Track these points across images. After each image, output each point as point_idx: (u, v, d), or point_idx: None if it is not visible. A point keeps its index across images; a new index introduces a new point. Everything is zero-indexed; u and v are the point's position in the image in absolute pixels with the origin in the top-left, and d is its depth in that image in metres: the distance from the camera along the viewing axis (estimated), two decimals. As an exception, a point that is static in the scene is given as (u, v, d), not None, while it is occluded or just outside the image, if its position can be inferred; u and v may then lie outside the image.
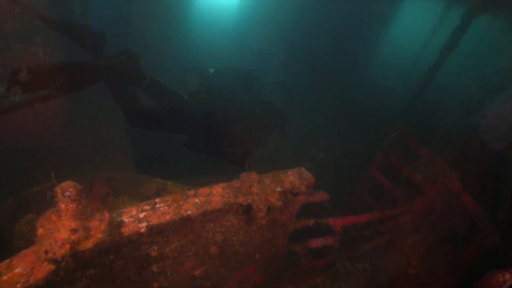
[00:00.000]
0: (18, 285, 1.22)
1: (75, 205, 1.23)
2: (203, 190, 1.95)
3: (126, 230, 1.58)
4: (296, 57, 9.80)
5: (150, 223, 1.65)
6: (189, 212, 1.79)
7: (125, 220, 1.62)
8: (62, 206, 1.22)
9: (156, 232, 1.74)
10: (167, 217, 1.72)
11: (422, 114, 9.12)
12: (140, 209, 1.71)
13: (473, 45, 12.18)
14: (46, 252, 1.22)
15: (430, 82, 7.70)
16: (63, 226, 1.22)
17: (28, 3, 3.51)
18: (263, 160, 5.71)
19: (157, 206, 1.76)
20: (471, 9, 7.09)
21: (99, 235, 1.32)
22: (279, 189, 2.18)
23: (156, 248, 1.82)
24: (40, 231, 1.23)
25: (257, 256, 2.55)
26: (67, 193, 1.21)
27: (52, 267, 1.26)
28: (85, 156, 4.64)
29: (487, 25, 11.67)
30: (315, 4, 10.40)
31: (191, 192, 1.91)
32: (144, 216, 1.67)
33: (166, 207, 1.77)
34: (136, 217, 1.66)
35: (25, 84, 4.01)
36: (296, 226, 2.77)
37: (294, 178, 2.38)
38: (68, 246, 1.22)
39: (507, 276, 2.17)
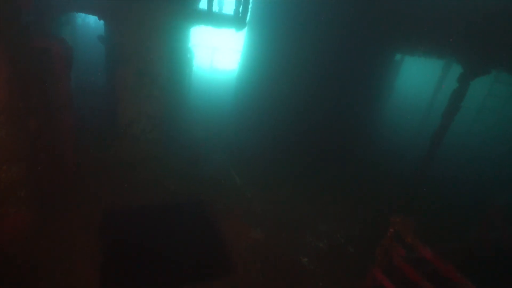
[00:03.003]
0: None
1: None
2: None
3: None
4: (298, 131, 9.57)
5: None
6: None
7: None
8: None
9: None
10: None
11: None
12: None
13: (482, 99, 11.67)
14: None
15: (437, 148, 7.08)
16: None
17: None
18: (250, 258, 5.04)
19: None
20: (467, 72, 6.76)
21: None
22: None
23: None
24: None
25: None
26: None
27: None
28: (47, 270, 4.18)
29: (493, 79, 11.27)
30: (318, 73, 10.39)
31: None
32: None
33: None
34: None
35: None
36: None
37: None
38: None
39: None
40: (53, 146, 5.25)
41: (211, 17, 6.74)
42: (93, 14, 5.44)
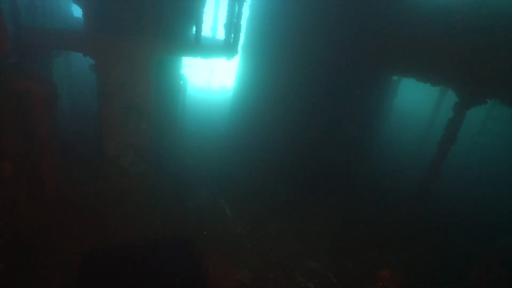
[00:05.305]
0: None
1: None
2: None
3: None
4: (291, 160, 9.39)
5: None
6: None
7: None
8: None
9: None
10: None
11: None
12: None
13: (481, 122, 11.47)
14: None
15: (435, 179, 6.86)
16: None
17: None
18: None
19: None
20: (462, 102, 6.60)
21: None
22: None
23: None
24: None
25: None
26: None
27: None
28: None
29: (491, 102, 11.10)
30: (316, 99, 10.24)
31: None
32: None
33: None
34: None
35: None
36: None
37: None
38: None
39: None
40: (34, 187, 5.12)
41: (199, 49, 6.68)
42: (77, 51, 5.40)
